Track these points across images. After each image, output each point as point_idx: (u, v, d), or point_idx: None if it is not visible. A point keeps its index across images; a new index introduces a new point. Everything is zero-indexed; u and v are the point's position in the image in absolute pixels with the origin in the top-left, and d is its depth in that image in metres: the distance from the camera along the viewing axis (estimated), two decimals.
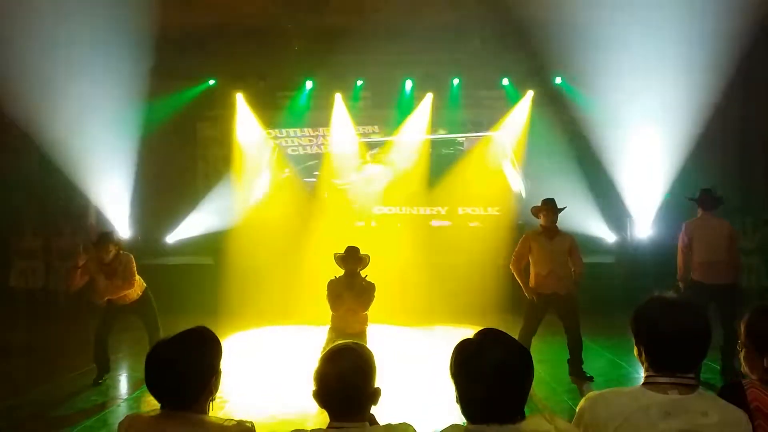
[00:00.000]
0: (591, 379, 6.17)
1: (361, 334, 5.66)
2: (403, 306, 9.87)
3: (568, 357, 6.35)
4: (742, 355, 2.15)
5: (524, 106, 12.64)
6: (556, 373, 6.40)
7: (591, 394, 2.00)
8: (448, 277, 10.47)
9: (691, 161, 10.67)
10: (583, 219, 12.18)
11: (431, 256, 11.31)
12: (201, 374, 2.00)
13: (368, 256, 5.79)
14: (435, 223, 12.94)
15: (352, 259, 5.66)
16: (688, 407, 1.86)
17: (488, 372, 1.65)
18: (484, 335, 1.74)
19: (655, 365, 1.95)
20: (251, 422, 2.04)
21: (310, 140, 13.34)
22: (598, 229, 12.16)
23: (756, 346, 2.06)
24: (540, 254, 6.26)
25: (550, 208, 6.25)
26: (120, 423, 2.02)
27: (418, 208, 13.05)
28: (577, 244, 6.37)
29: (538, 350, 6.49)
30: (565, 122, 12.84)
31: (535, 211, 6.40)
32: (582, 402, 1.99)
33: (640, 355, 2.00)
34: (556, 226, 6.29)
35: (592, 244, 12.46)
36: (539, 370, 6.18)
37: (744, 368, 2.15)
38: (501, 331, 1.75)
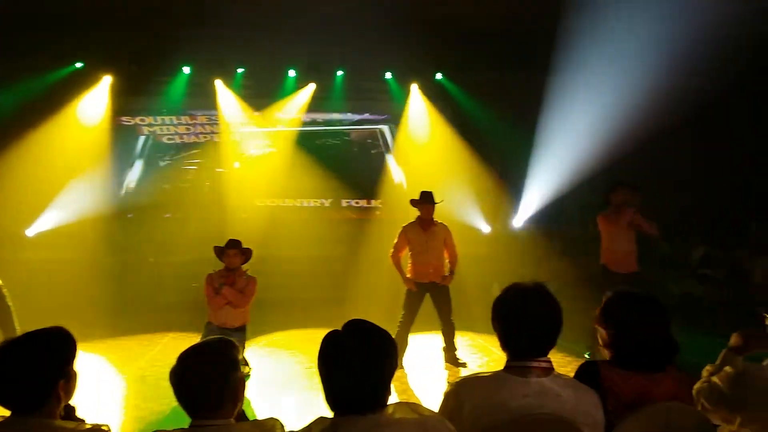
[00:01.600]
0: (464, 365, 6.40)
1: (242, 329, 5.53)
2: (285, 299, 9.79)
3: (443, 344, 6.55)
4: (599, 335, 2.29)
5: (408, 99, 12.92)
6: (432, 360, 6.59)
7: (455, 379, 2.07)
8: (329, 269, 10.49)
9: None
10: (463, 210, 12.67)
11: (313, 249, 11.27)
12: (46, 377, 1.87)
13: (250, 250, 5.66)
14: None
15: (232, 252, 5.51)
16: (545, 389, 1.98)
17: (347, 362, 1.66)
18: (347, 326, 1.74)
19: (513, 351, 2.06)
20: (107, 426, 1.92)
21: (188, 128, 12.84)
22: (476, 220, 12.68)
23: (614, 328, 2.21)
24: (417, 245, 6.41)
25: (428, 200, 6.40)
26: None
27: (301, 200, 12.97)
28: (451, 235, 6.56)
29: (414, 338, 6.66)
30: (446, 116, 13.30)
31: (414, 203, 6.55)
32: (447, 388, 2.05)
33: (501, 341, 2.10)
34: (433, 218, 6.45)
35: (469, 235, 12.97)
36: (415, 357, 6.37)
37: (600, 349, 2.30)
38: (365, 322, 1.76)
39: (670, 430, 2.00)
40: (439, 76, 12.58)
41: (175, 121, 12.72)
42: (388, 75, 12.59)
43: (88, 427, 1.87)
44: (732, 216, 10.82)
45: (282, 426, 1.92)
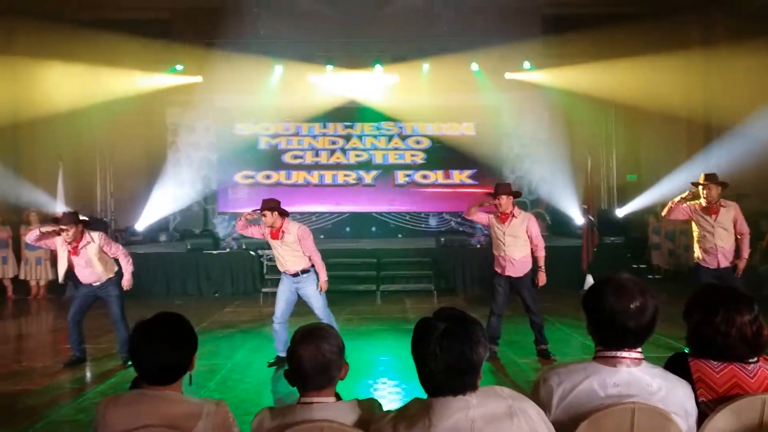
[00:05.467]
0: (554, 359, 6.27)
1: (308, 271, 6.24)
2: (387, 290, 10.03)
3: (533, 338, 6.49)
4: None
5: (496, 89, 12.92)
6: (524, 354, 6.55)
7: (546, 368, 2.13)
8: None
9: None
10: (563, 202, 12.52)
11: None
12: (189, 351, 2.15)
13: (285, 211, 6.18)
14: None
15: (267, 214, 6.06)
16: (635, 378, 2.00)
17: (439, 347, 1.76)
18: (437, 313, 1.85)
19: (604, 341, 2.08)
20: (225, 401, 2.14)
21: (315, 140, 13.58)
22: (573, 211, 12.48)
23: (693, 321, 2.23)
24: (494, 237, 6.41)
25: (501, 191, 6.28)
26: (98, 403, 2.09)
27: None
28: (535, 226, 6.34)
29: (507, 332, 6.68)
30: (536, 107, 13.16)
31: (489, 195, 6.47)
32: (538, 375, 2.11)
33: (591, 331, 2.12)
34: (511, 210, 6.30)
35: (566, 227, 12.79)
36: (508, 351, 6.39)
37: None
38: (455, 309, 1.86)
39: (766, 422, 1.98)
40: (527, 65, 12.39)
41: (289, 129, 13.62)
42: (475, 66, 12.53)
43: (210, 399, 2.10)
44: None
45: (380, 405, 2.07)
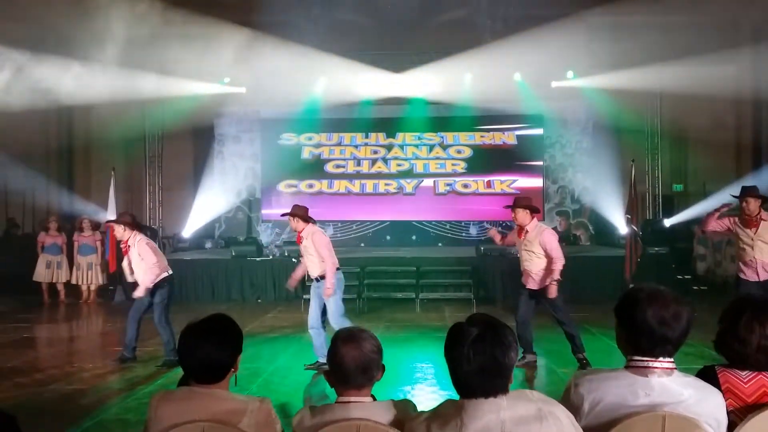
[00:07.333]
0: (588, 365, 6.21)
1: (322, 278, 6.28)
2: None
3: (571, 347, 6.43)
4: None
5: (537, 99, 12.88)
6: (563, 364, 6.51)
7: (578, 373, 2.15)
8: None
9: None
10: (607, 211, 12.40)
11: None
12: (235, 351, 2.24)
13: (306, 218, 6.38)
14: None
15: (290, 219, 6.39)
16: (666, 388, 2.01)
17: (471, 351, 1.83)
18: (470, 318, 1.92)
19: (638, 349, 2.09)
20: (269, 399, 2.25)
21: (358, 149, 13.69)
22: (617, 221, 12.34)
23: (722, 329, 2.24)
24: (517, 251, 6.44)
25: (515, 205, 6.23)
26: (151, 398, 2.22)
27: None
28: (550, 239, 6.12)
29: (546, 341, 6.66)
30: (580, 117, 13.04)
31: (507, 207, 6.45)
32: (569, 380, 2.14)
33: (623, 340, 2.15)
34: (524, 225, 6.20)
35: (609, 237, 12.62)
36: (547, 361, 6.36)
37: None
38: (486, 315, 1.93)
39: None
40: (570, 74, 12.33)
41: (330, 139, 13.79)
42: (518, 76, 12.53)
43: (255, 398, 2.21)
44: None
45: (414, 406, 2.15)
